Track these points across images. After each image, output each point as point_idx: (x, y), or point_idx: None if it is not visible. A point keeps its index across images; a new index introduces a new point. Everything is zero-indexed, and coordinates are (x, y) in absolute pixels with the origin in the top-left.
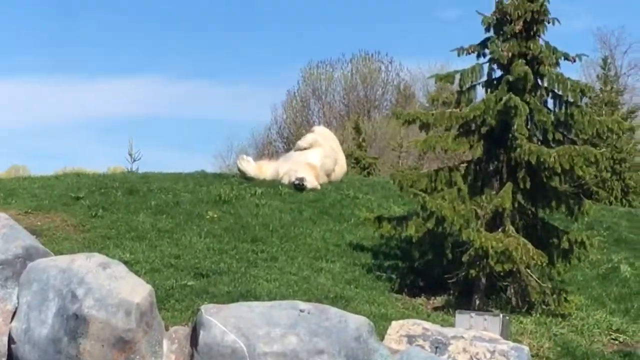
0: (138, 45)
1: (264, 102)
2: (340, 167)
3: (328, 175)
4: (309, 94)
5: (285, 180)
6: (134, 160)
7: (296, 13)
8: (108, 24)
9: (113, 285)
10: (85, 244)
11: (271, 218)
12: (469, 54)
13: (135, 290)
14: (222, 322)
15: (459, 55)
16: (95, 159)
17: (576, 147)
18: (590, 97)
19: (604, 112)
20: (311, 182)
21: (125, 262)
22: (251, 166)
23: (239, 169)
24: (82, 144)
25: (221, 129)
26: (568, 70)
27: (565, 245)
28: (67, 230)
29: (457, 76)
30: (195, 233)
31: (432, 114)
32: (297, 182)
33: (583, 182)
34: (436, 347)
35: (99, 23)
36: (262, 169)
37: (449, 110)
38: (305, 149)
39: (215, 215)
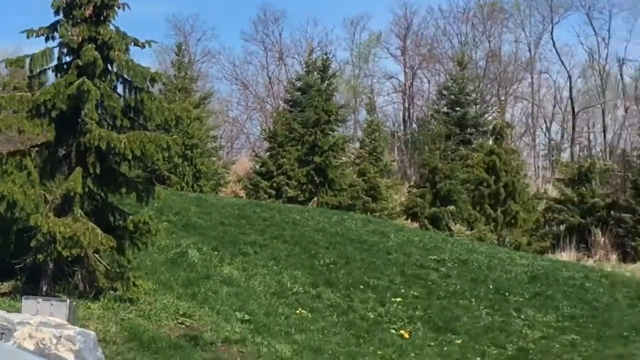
0: None
1: None
2: None
3: None
4: None
5: None
6: None
7: None
8: None
9: None
10: None
11: None
12: (39, 36)
13: None
14: None
15: (28, 37)
16: None
17: (147, 133)
18: (164, 84)
19: (177, 98)
20: None
21: None
22: None
23: None
24: None
25: None
26: (142, 56)
27: (131, 226)
28: None
29: (28, 60)
30: None
31: (3, 97)
32: None
33: (156, 167)
34: (1, 333)
35: None
36: None
37: (19, 93)
38: None
39: None
